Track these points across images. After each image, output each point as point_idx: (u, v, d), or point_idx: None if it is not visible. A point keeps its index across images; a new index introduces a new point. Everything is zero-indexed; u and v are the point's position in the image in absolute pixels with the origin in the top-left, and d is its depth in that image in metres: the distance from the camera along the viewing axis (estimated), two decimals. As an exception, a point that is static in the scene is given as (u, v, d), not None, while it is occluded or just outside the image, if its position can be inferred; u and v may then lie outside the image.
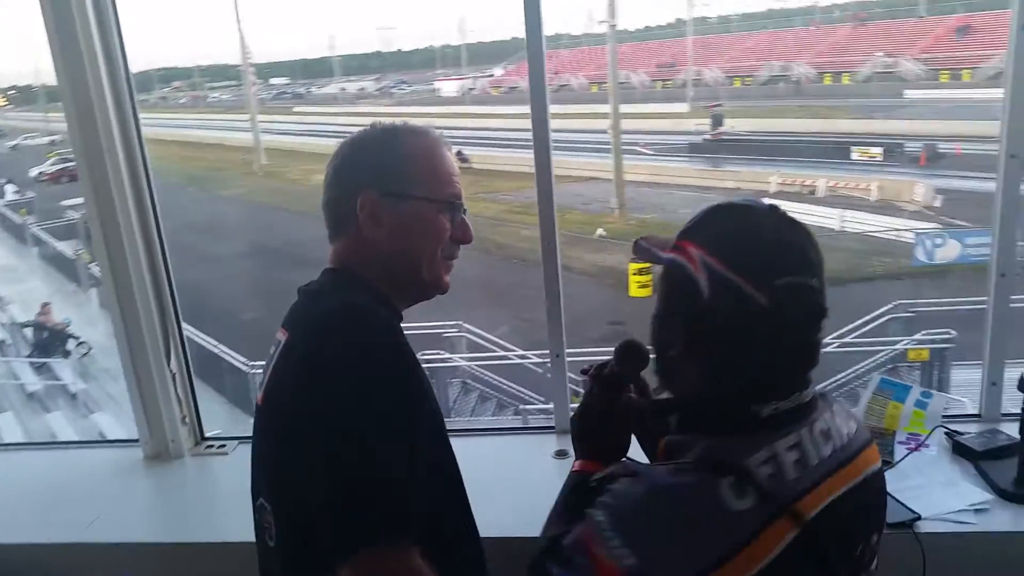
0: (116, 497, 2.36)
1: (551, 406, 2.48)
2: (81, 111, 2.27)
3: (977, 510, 1.80)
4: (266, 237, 26.17)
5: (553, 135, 2.23)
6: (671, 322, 1.13)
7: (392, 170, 1.34)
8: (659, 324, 1.17)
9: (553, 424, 2.43)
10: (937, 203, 19.62)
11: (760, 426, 1.07)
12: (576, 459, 1.39)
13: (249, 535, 2.00)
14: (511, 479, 2.16)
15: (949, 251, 16.50)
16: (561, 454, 2.29)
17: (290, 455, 1.19)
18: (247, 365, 10.96)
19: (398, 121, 1.41)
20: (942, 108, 36.66)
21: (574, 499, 1.29)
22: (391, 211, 1.33)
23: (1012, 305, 2.14)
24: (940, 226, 17.58)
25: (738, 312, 1.06)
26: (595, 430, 1.38)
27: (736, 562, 1.00)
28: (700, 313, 1.08)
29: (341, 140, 1.42)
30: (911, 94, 45.04)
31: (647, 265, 17.12)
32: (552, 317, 2.33)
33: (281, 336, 1.31)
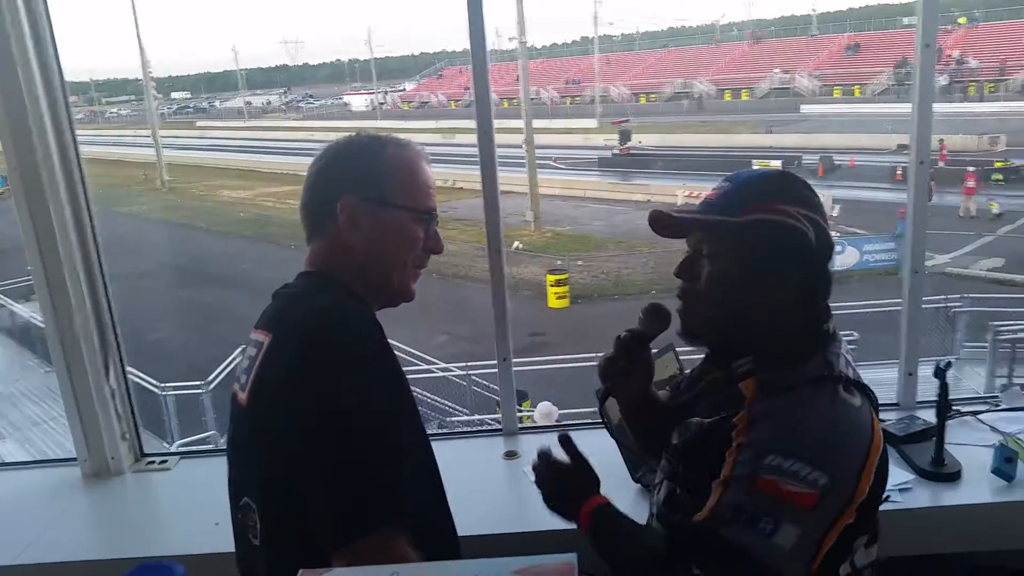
0: (55, 517, 2.29)
1: (475, 417, 2.54)
2: (15, 126, 2.22)
3: (901, 489, 1.95)
4: (171, 254, 25.37)
5: (469, 150, 2.29)
6: (784, 269, 1.25)
7: (375, 177, 1.38)
8: (758, 278, 1.26)
9: (501, 427, 2.49)
10: (835, 212, 20.59)
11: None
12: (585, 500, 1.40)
13: (194, 547, 2.03)
14: (463, 480, 2.20)
15: (848, 258, 17.37)
16: (510, 455, 2.36)
17: (284, 451, 1.22)
18: (159, 387, 10.61)
19: (383, 133, 1.47)
20: (836, 122, 38.58)
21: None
22: (370, 216, 1.37)
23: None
24: (838, 234, 18.45)
25: (829, 248, 1.28)
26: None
27: (872, 448, 1.19)
28: (813, 256, 1.26)
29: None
30: (807, 109, 47.17)
31: (564, 276, 17.43)
32: (499, 323, 2.40)
33: (261, 337, 1.33)
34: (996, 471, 1.95)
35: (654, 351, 1.53)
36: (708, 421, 1.28)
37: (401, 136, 1.47)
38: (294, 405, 1.21)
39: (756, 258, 1.25)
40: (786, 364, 1.24)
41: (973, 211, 20.82)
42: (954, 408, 2.16)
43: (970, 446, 2.11)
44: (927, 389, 2.34)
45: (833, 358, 1.25)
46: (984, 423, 2.23)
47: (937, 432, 2.03)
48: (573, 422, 2.58)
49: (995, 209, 20.47)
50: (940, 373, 1.98)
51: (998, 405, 2.33)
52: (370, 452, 1.19)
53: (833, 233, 1.32)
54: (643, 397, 1.52)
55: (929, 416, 2.17)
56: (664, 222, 1.31)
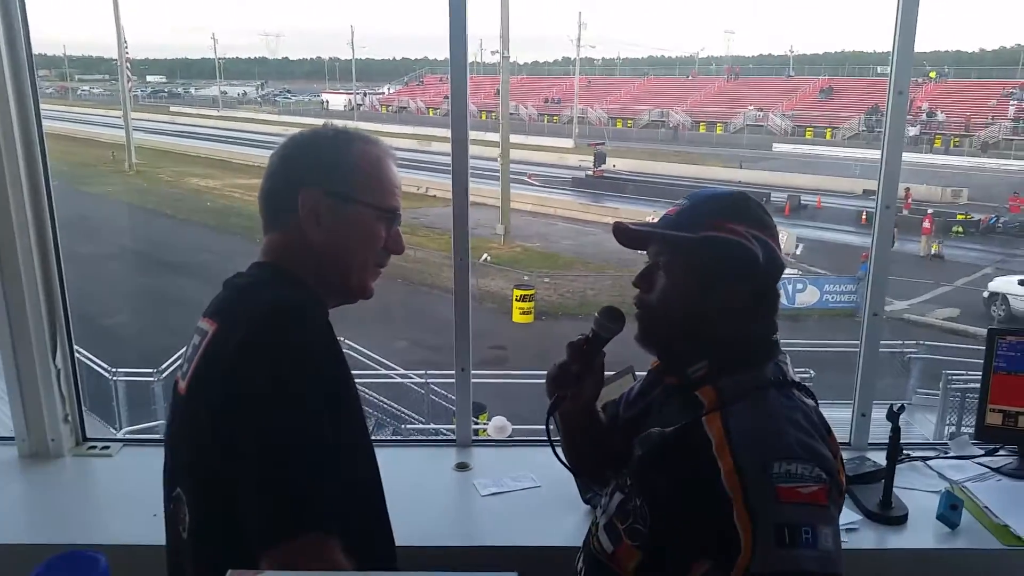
0: (-14, 496, 2.22)
1: (430, 426, 2.52)
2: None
3: (848, 529, 1.96)
4: (133, 239, 24.93)
5: (444, 158, 2.28)
6: (732, 286, 1.31)
7: (341, 172, 1.36)
8: (705, 292, 1.32)
9: (455, 437, 2.47)
10: (798, 251, 20.94)
11: (776, 348, 1.35)
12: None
13: (133, 537, 1.98)
14: (411, 489, 2.18)
15: (808, 296, 17.63)
16: (462, 467, 2.34)
17: (217, 443, 1.18)
18: (109, 371, 10.40)
19: (350, 126, 1.44)
20: (806, 163, 39.26)
21: None
22: (332, 212, 1.35)
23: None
24: (800, 272, 18.75)
25: (777, 268, 1.34)
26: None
27: (834, 443, 1.27)
28: (760, 273, 1.32)
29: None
30: (779, 148, 47.96)
31: (531, 292, 17.45)
32: (460, 332, 2.38)
33: (207, 326, 1.29)
34: (941, 517, 1.97)
35: (612, 373, 1.53)
36: (670, 430, 1.29)
37: (369, 133, 1.44)
38: (229, 399, 1.17)
39: (706, 272, 1.31)
40: (742, 370, 1.29)
41: (931, 251, 22.24)
42: (904, 452, 2.18)
43: (918, 491, 2.13)
44: (877, 431, 2.38)
45: (783, 365, 1.32)
46: (932, 469, 2.26)
47: (887, 475, 2.05)
48: (529, 438, 2.56)
49: (935, 250, 22.21)
50: (893, 416, 2.00)
51: (947, 452, 2.36)
52: (299, 457, 1.15)
53: (793, 271, 1.35)
54: (590, 410, 1.52)
55: (879, 458, 2.20)
56: (625, 233, 1.39)
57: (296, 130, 1.44)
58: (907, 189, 24.98)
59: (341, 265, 1.38)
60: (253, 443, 1.15)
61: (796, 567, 1.11)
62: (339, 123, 1.44)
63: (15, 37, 2.22)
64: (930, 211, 23.75)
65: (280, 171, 1.38)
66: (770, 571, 1.11)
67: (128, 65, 41.07)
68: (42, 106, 2.35)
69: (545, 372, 1.47)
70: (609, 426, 1.55)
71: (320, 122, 1.47)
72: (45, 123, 2.34)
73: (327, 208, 1.34)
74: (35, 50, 2.29)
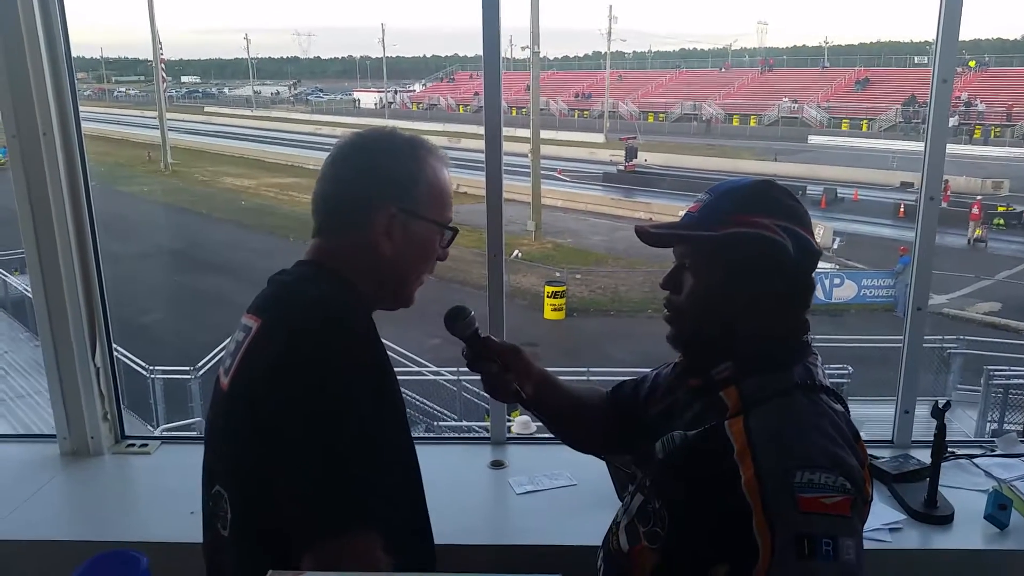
0: (28, 494, 2.24)
1: (463, 423, 2.51)
2: (17, 95, 2.19)
3: (892, 529, 1.92)
4: (169, 238, 25.31)
5: (474, 155, 2.26)
6: (761, 282, 1.25)
7: (415, 188, 1.35)
8: (734, 291, 1.27)
9: (489, 436, 2.46)
10: (835, 245, 20.65)
11: (806, 349, 1.30)
12: None
13: (172, 535, 1.99)
14: (447, 488, 2.17)
15: (845, 291, 17.38)
16: (496, 464, 2.32)
17: (261, 439, 1.18)
18: (147, 370, 10.57)
19: (417, 135, 1.42)
20: (842, 155, 38.69)
21: None
22: (403, 227, 1.34)
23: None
24: (837, 267, 18.49)
25: (811, 258, 1.28)
26: None
27: (862, 451, 1.22)
28: (792, 266, 1.26)
29: (336, 141, 1.39)
30: (814, 140, 47.30)
31: (562, 288, 17.39)
32: (494, 328, 2.36)
33: (251, 322, 1.29)
34: (989, 517, 1.92)
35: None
36: (692, 433, 1.26)
37: (429, 139, 1.44)
38: (275, 396, 1.17)
39: (733, 271, 1.26)
40: (768, 372, 1.25)
41: (974, 234, 22.51)
42: (949, 450, 2.12)
43: (964, 490, 2.08)
44: (918, 429, 2.32)
45: (812, 368, 1.27)
46: (979, 467, 2.20)
47: (931, 473, 1.99)
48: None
49: (978, 234, 22.36)
50: (938, 413, 1.95)
51: (994, 450, 2.30)
52: (347, 453, 1.15)
53: (830, 265, 1.31)
54: (541, 376, 1.57)
55: (923, 456, 2.14)
56: (647, 236, 1.34)
57: (332, 131, 1.43)
58: (946, 181, 24.26)
59: (399, 276, 1.39)
60: (300, 439, 1.15)
61: None
62: (401, 126, 1.43)
63: (55, 40, 2.25)
64: (979, 197, 24.24)
65: (353, 179, 1.35)
66: None
67: (163, 66, 41.73)
68: (81, 109, 2.38)
69: (578, 367, 1.47)
70: (623, 400, 1.58)
71: (355, 121, 1.47)
72: (83, 125, 2.37)
73: (399, 224, 1.34)
74: (74, 53, 2.32)
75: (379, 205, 1.33)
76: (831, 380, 1.30)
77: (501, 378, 1.51)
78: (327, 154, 1.40)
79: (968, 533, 1.92)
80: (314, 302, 1.25)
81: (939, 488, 2.00)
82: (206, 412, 1.45)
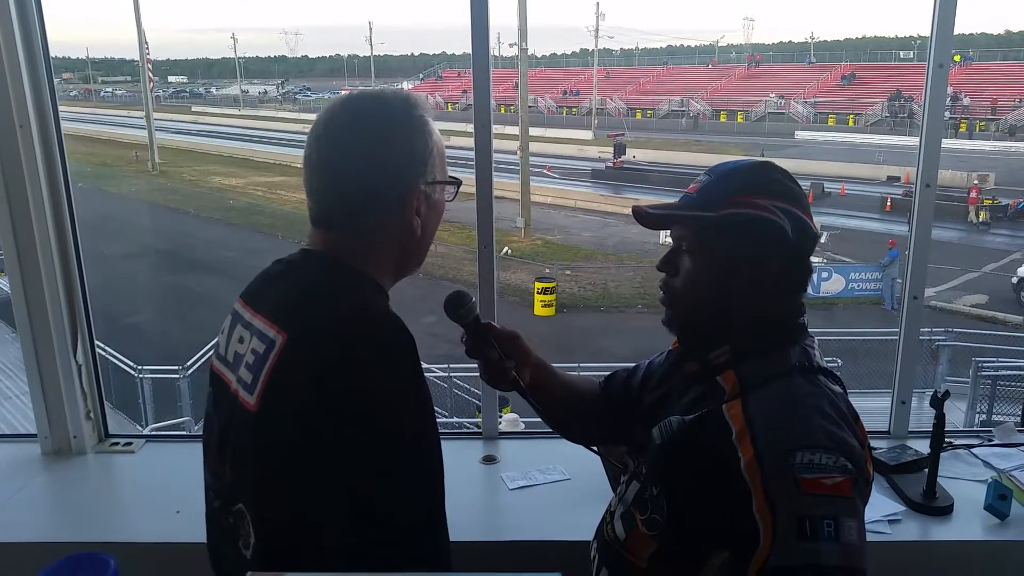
0: (9, 495, 2.19)
1: (454, 420, 2.47)
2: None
3: (891, 521, 1.89)
4: (157, 238, 25.16)
5: (462, 152, 2.23)
6: (758, 263, 1.24)
7: (430, 158, 1.28)
8: (732, 273, 1.25)
9: (480, 431, 2.42)
10: (823, 239, 20.71)
11: (803, 331, 1.29)
12: None
13: (156, 535, 1.95)
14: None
15: (834, 285, 17.44)
16: (488, 459, 2.29)
17: (302, 464, 1.11)
18: (135, 369, 10.49)
19: (403, 92, 1.32)
20: (829, 149, 38.86)
21: None
22: (427, 201, 1.29)
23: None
24: (825, 261, 18.54)
25: (810, 240, 1.27)
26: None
27: (862, 431, 1.20)
28: (790, 247, 1.24)
29: (325, 110, 1.27)
30: (801, 135, 47.49)
31: (552, 285, 17.38)
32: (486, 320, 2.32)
33: (272, 333, 1.18)
34: (989, 508, 1.89)
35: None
36: (690, 418, 1.24)
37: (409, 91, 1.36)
38: (322, 423, 1.10)
39: (732, 253, 1.25)
40: (766, 355, 1.24)
41: (979, 218, 23.95)
42: (946, 440, 2.10)
43: (962, 480, 2.05)
44: (912, 420, 2.31)
45: (809, 350, 1.26)
46: (977, 457, 2.18)
47: (931, 464, 1.97)
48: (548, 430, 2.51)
49: (983, 218, 23.82)
50: (937, 403, 1.92)
51: (991, 440, 2.28)
52: (406, 471, 1.13)
53: (818, 259, 1.28)
54: (538, 364, 1.54)
55: (920, 447, 2.12)
56: (645, 216, 1.32)
57: (337, 99, 1.33)
58: None
59: (422, 250, 1.34)
60: (351, 472, 1.11)
61: (816, 560, 1.05)
62: (387, 90, 1.34)
63: (31, 30, 2.19)
64: (976, 182, 25.69)
65: (369, 170, 1.24)
66: (789, 564, 1.06)
67: (150, 66, 41.42)
68: (66, 109, 2.34)
69: (568, 364, 1.45)
70: (616, 390, 1.56)
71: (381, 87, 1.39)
72: (70, 125, 2.34)
73: (424, 199, 1.28)
74: (60, 53, 2.30)
75: (410, 188, 1.26)
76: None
77: (500, 365, 1.47)
78: (315, 128, 1.27)
79: (968, 524, 1.89)
80: (355, 316, 1.17)
81: (937, 479, 1.97)
82: (207, 419, 1.34)
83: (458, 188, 1.35)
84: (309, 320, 1.17)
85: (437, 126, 1.33)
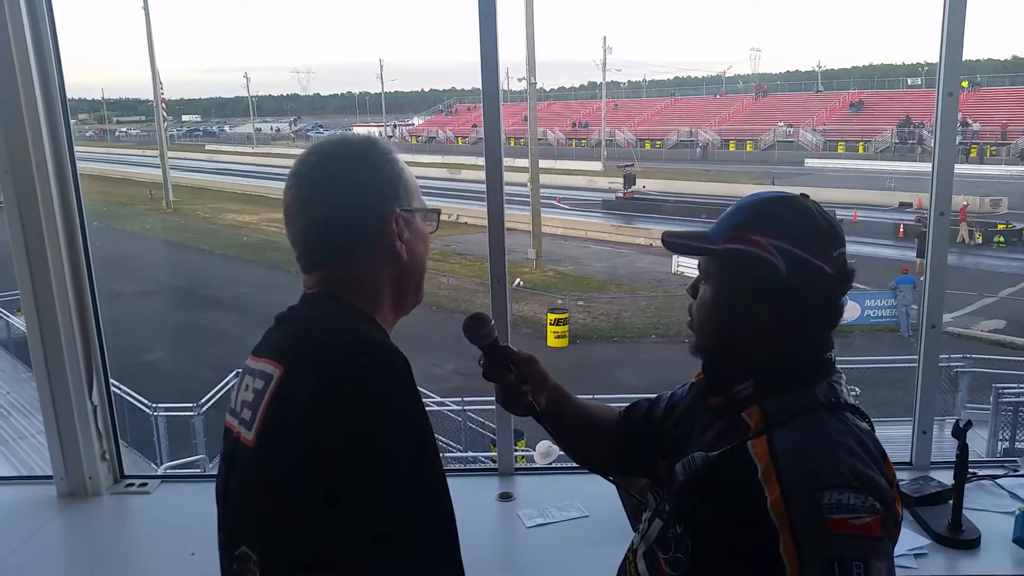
0: (25, 537, 2.19)
1: (469, 454, 2.45)
2: (9, 128, 2.17)
3: (916, 555, 1.86)
4: (171, 275, 25.31)
5: (473, 186, 2.23)
6: (753, 301, 1.23)
7: (402, 186, 1.30)
8: (730, 307, 1.26)
9: (496, 466, 2.40)
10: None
11: (830, 367, 1.26)
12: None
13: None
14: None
15: (850, 312, 17.28)
16: (505, 497, 2.26)
17: (302, 504, 1.09)
18: (150, 407, 10.49)
19: (361, 135, 1.38)
20: (839, 177, 38.82)
21: None
22: (408, 227, 1.29)
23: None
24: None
25: (814, 282, 1.22)
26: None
27: (890, 471, 1.16)
28: (784, 289, 1.22)
29: (300, 162, 1.31)
30: (811, 163, 47.51)
31: (565, 316, 17.34)
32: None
33: (270, 369, 1.18)
34: (1018, 540, 1.85)
35: None
36: (714, 454, 1.21)
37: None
38: (318, 451, 1.08)
39: (729, 288, 1.26)
40: (790, 390, 1.22)
41: (967, 238, 23.89)
42: (970, 471, 2.06)
43: (988, 512, 2.02)
44: (933, 449, 2.27)
45: (836, 386, 1.24)
46: (1003, 488, 2.14)
47: (955, 495, 1.93)
48: (573, 465, 2.48)
49: (979, 239, 23.87)
50: (960, 433, 1.89)
51: (1016, 470, 2.23)
52: (405, 498, 1.10)
53: None
54: (555, 389, 1.52)
55: (943, 478, 2.08)
56: (665, 242, 1.33)
57: (300, 154, 1.35)
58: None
59: (417, 276, 1.33)
60: (345, 505, 1.08)
61: None
62: (404, 159, 1.37)
63: (48, 73, 2.24)
64: (965, 204, 25.08)
65: (343, 203, 1.26)
66: None
67: (164, 106, 42.03)
68: (82, 149, 2.37)
69: (583, 397, 1.44)
70: (637, 420, 1.53)
71: (343, 132, 1.41)
72: (85, 165, 2.38)
73: (404, 225, 1.28)
74: (76, 95, 2.32)
75: (386, 214, 1.27)
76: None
77: (517, 389, 1.45)
78: (287, 181, 1.31)
79: (997, 557, 1.86)
80: (348, 342, 1.17)
81: (963, 511, 1.93)
82: (217, 462, 1.33)
83: (439, 216, 1.36)
84: (303, 351, 1.18)
85: (448, 159, 1.33)
